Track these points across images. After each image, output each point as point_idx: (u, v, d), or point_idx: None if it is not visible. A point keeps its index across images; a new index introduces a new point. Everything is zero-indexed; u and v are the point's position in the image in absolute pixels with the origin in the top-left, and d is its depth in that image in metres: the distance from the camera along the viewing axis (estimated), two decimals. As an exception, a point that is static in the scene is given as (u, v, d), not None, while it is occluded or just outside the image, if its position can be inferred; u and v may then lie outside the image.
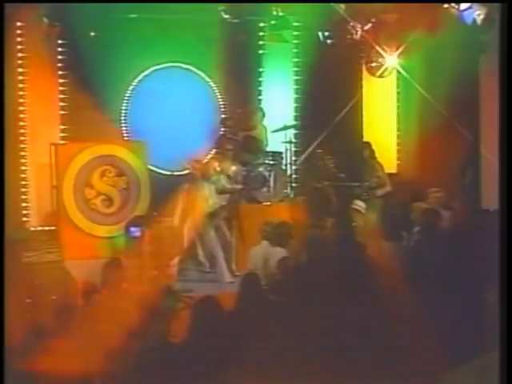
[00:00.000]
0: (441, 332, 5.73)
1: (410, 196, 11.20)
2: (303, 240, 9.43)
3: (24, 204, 11.76)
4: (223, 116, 12.45)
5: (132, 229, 10.42)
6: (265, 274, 8.70)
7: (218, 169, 10.82)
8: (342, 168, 12.24)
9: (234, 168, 11.08)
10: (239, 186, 11.07)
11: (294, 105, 13.33)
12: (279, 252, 8.99)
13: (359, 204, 10.70)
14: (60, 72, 11.89)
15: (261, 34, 12.74)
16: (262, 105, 12.83)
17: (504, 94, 4.50)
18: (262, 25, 12.54)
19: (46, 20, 10.65)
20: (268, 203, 11.47)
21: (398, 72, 13.29)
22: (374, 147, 12.26)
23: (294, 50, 13.18)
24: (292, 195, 11.89)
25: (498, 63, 4.64)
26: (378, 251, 8.90)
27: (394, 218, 9.51)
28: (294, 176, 12.59)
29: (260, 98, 13.09)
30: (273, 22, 11.72)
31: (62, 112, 11.93)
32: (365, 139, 13.10)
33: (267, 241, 9.50)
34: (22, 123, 11.66)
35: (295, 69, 13.28)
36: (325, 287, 6.41)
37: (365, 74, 13.56)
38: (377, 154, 12.22)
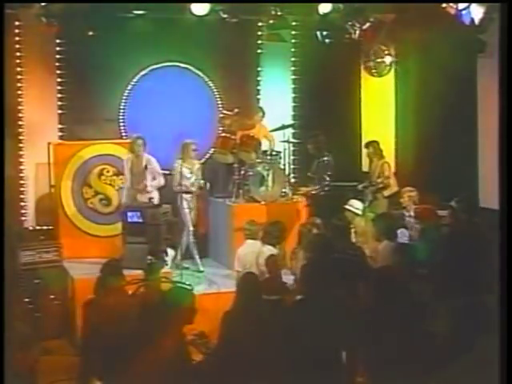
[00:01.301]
0: (439, 333, 5.74)
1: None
2: (298, 239, 9.43)
3: (22, 203, 11.76)
4: (221, 115, 12.44)
5: (129, 214, 10.46)
6: (256, 272, 8.71)
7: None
8: (345, 168, 12.26)
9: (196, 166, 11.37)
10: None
11: (293, 104, 13.34)
12: (269, 251, 9.00)
13: (353, 204, 10.69)
14: (58, 71, 11.88)
15: (259, 33, 12.75)
16: (261, 104, 12.83)
17: (504, 94, 4.50)
18: (260, 24, 12.55)
19: (44, 19, 10.63)
20: (266, 202, 11.46)
21: (397, 71, 13.30)
22: (381, 146, 12.22)
23: (293, 50, 13.18)
24: (290, 194, 11.87)
25: (498, 64, 4.64)
26: (374, 252, 8.91)
27: (392, 218, 9.50)
28: (292, 175, 12.59)
29: (258, 97, 13.10)
30: (271, 22, 11.70)
31: (60, 111, 11.93)
32: (365, 138, 13.11)
33: (256, 240, 9.49)
34: (20, 122, 11.66)
35: (294, 68, 13.29)
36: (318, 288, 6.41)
37: (363, 73, 13.57)
38: (384, 154, 12.21)
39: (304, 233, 9.20)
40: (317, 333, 5.83)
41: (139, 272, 8.44)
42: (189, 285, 9.97)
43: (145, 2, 10.93)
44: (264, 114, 12.21)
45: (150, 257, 9.06)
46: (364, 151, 12.69)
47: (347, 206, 10.54)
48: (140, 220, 10.48)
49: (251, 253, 9.33)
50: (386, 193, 11.95)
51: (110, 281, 7.34)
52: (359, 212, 10.62)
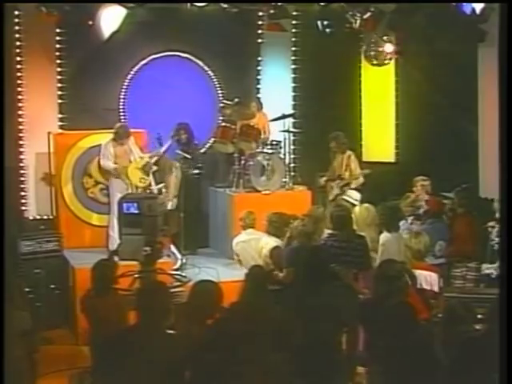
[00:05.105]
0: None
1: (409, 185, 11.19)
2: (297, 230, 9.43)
3: (22, 193, 11.77)
4: (222, 105, 12.43)
5: (125, 205, 10.42)
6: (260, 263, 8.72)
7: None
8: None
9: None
10: None
11: (293, 94, 13.33)
12: (273, 241, 9.00)
13: (351, 195, 10.66)
14: (58, 61, 11.86)
15: (259, 22, 12.73)
16: (261, 94, 12.82)
17: (504, 93, 4.50)
18: (260, 14, 12.52)
19: (43, 9, 10.61)
20: (266, 192, 11.47)
21: (397, 61, 13.27)
22: (344, 138, 12.09)
23: (293, 39, 13.16)
24: (291, 184, 11.88)
25: (498, 63, 4.63)
26: (375, 242, 8.92)
27: (390, 209, 9.50)
28: (292, 165, 12.59)
29: (258, 86, 13.09)
30: (272, 11, 11.69)
31: (60, 101, 11.92)
32: (365, 127, 13.11)
33: (251, 229, 9.52)
34: (20, 112, 11.64)
35: (294, 58, 13.27)
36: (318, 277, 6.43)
37: (364, 62, 13.54)
38: (348, 146, 12.08)
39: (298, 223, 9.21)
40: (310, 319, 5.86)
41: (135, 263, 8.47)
42: (184, 276, 9.99)
43: (145, 2, 10.90)
44: (261, 105, 12.24)
45: (146, 248, 9.00)
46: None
47: (345, 197, 10.53)
48: (136, 211, 10.44)
49: (243, 243, 9.41)
50: (353, 185, 11.88)
51: (102, 280, 7.31)
52: (357, 203, 10.61)
